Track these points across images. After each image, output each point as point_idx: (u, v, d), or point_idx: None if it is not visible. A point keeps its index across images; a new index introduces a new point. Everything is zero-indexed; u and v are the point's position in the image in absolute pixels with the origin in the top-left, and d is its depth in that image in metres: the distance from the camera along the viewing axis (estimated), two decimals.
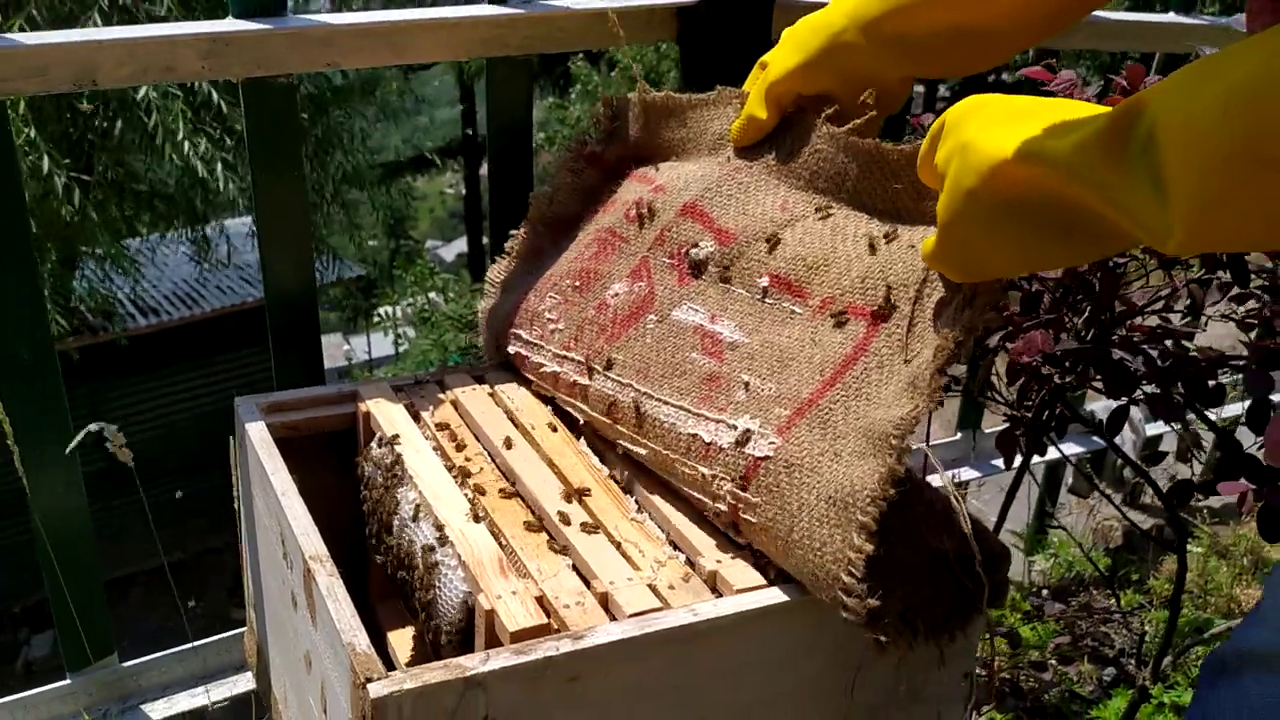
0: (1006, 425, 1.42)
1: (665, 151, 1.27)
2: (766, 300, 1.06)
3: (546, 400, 1.26)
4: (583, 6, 1.36)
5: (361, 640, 0.89)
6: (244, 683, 1.46)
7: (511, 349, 1.26)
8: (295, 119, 1.29)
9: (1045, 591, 1.97)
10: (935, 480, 1.07)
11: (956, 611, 1.01)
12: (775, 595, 0.97)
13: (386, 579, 1.16)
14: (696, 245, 1.12)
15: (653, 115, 1.27)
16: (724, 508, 0.99)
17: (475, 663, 0.87)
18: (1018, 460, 1.40)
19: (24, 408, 1.27)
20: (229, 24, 1.20)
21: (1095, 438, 2.16)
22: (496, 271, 1.35)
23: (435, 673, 0.86)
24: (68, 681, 1.40)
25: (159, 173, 7.09)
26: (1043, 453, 1.43)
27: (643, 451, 1.08)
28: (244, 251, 8.64)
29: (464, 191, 18.45)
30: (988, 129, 0.76)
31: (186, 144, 5.83)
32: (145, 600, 8.20)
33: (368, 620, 0.93)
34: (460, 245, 21.02)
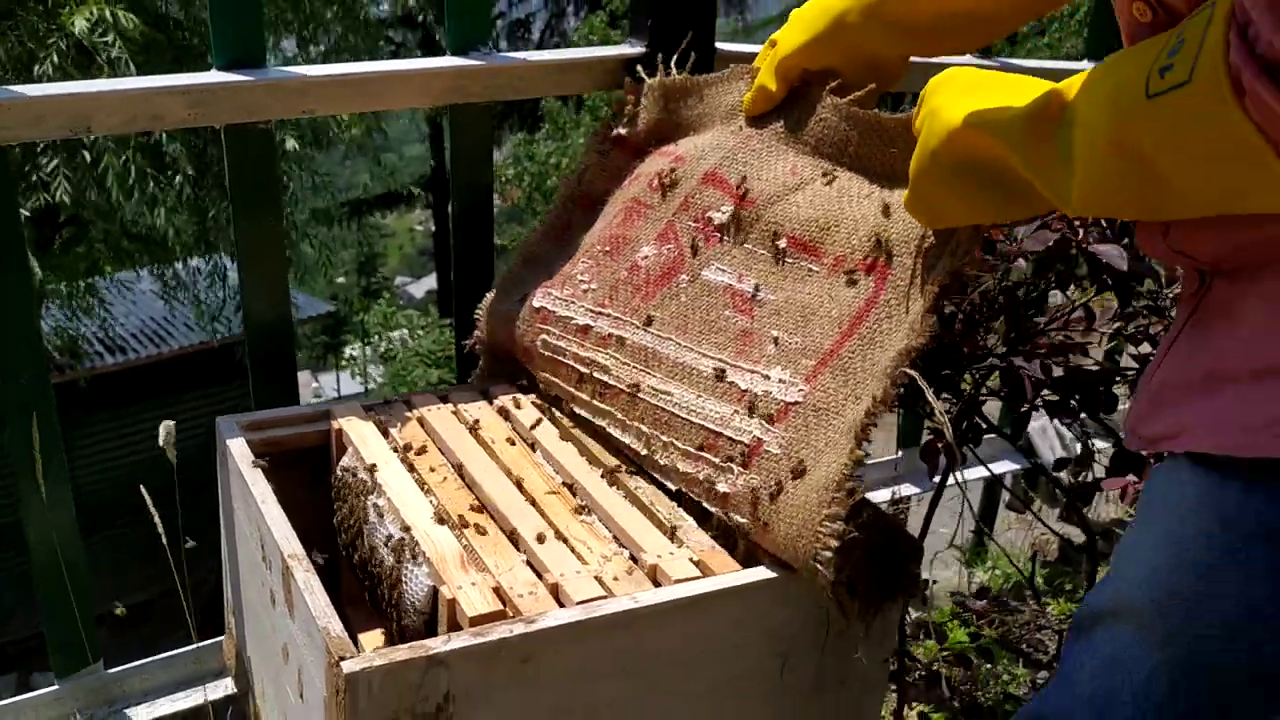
0: (929, 438, 1.54)
1: (684, 129, 1.39)
2: (786, 260, 1.20)
3: (505, 416, 1.37)
4: (538, 59, 1.49)
5: (335, 625, 1.00)
6: (222, 688, 1.55)
7: (537, 303, 1.36)
8: (273, 161, 1.40)
9: (982, 604, 2.09)
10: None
11: (879, 592, 1.13)
12: (710, 585, 1.09)
13: (357, 582, 1.26)
14: (718, 210, 1.25)
15: (672, 96, 1.40)
16: (747, 441, 1.11)
17: (438, 644, 0.98)
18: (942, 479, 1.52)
19: (19, 427, 1.37)
20: (213, 76, 1.31)
21: (1031, 457, 2.29)
22: (529, 242, 1.47)
23: (402, 652, 0.96)
24: (56, 687, 1.49)
25: (127, 212, 7.14)
26: (963, 463, 1.55)
27: (670, 393, 1.19)
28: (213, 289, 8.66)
29: (433, 228, 18.55)
30: (952, 98, 0.89)
31: (136, 189, 5.94)
32: (114, 640, 8.16)
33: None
34: (430, 282, 21.09)
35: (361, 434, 1.31)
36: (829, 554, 1.02)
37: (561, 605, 1.05)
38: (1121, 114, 0.71)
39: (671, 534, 1.16)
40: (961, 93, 0.90)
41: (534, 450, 1.31)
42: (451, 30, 1.44)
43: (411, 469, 1.26)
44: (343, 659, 0.95)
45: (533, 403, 1.40)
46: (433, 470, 1.26)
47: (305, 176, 8.15)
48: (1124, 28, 0.82)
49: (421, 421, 1.36)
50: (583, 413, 1.30)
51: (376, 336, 12.96)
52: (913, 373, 1.06)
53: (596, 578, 1.09)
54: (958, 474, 1.73)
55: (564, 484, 1.25)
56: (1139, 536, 0.82)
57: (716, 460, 1.14)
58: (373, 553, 1.19)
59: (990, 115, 0.85)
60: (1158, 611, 0.78)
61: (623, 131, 1.44)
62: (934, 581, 1.89)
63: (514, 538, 1.15)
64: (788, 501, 1.07)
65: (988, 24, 1.14)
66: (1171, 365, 0.82)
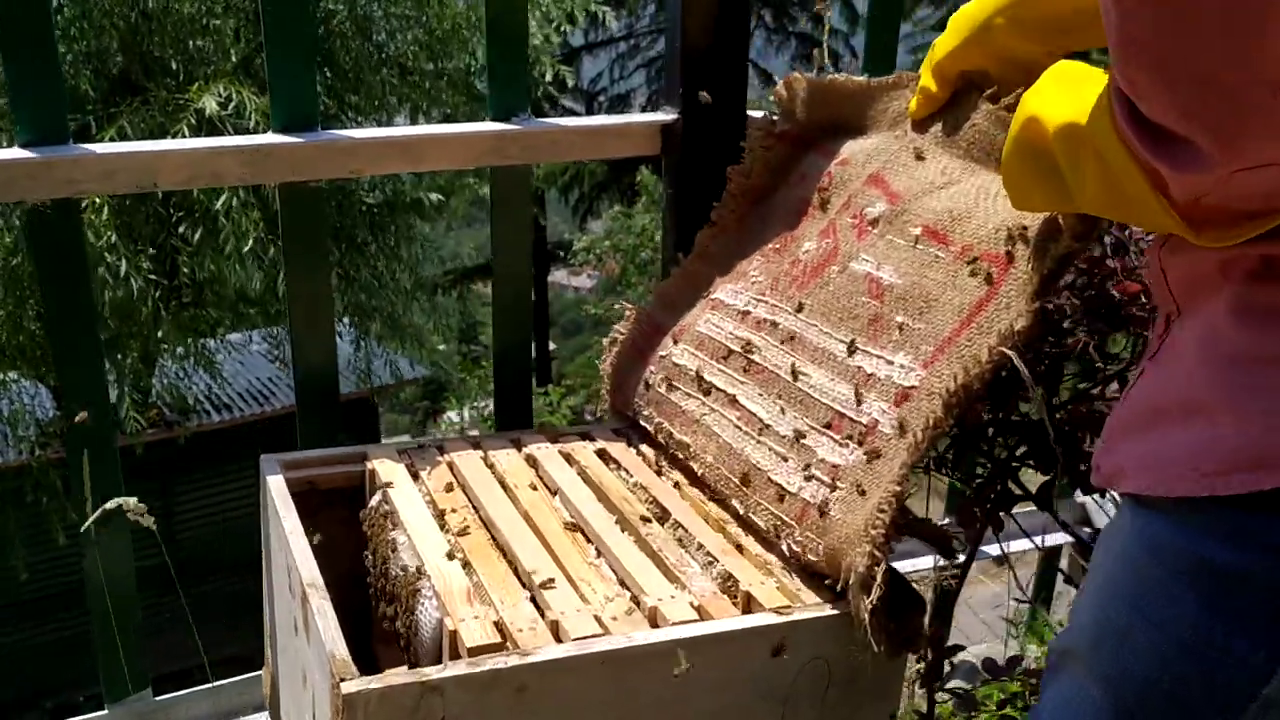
0: (965, 500, 1.54)
1: (846, 127, 1.47)
2: (917, 246, 1.26)
3: (532, 464, 1.43)
4: (573, 124, 1.57)
5: (341, 649, 1.05)
6: None
7: (717, 295, 1.48)
8: (323, 216, 1.50)
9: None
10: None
11: (891, 632, 1.14)
12: (707, 628, 1.11)
13: (379, 615, 1.32)
14: (872, 205, 1.33)
15: (832, 96, 1.48)
16: (866, 422, 1.19)
17: (434, 671, 1.02)
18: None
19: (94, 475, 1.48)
20: (269, 138, 1.42)
21: (1085, 528, 2.25)
22: (703, 237, 1.58)
23: (399, 677, 1.01)
24: (105, 711, 1.57)
25: (241, 276, 7.48)
26: (999, 529, 1.54)
27: (809, 374, 1.28)
28: None
29: (533, 298, 18.93)
30: (1037, 89, 0.90)
31: (254, 253, 6.24)
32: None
33: (368, 660, 1.08)
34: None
35: (392, 474, 1.38)
36: (884, 520, 1.10)
37: (559, 641, 1.09)
38: (1092, 123, 0.75)
39: (675, 579, 1.19)
40: (1046, 84, 0.89)
41: (554, 496, 1.36)
42: (493, 99, 1.53)
43: (434, 508, 1.32)
44: (343, 680, 1.00)
45: (559, 452, 1.45)
46: (454, 510, 1.31)
47: (418, 249, 8.49)
48: None
49: (451, 466, 1.42)
50: (715, 380, 1.39)
51: (477, 402, 13.25)
52: (1010, 352, 1.11)
53: (596, 616, 1.12)
54: (1001, 544, 1.72)
55: (577, 528, 1.29)
56: (1089, 581, 0.83)
57: (838, 438, 1.21)
58: (392, 584, 1.24)
59: (1051, 107, 0.85)
60: (1095, 650, 0.79)
61: (786, 127, 1.53)
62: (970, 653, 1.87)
63: (521, 576, 1.19)
64: (883, 466, 1.14)
65: None
66: (1125, 404, 0.83)
